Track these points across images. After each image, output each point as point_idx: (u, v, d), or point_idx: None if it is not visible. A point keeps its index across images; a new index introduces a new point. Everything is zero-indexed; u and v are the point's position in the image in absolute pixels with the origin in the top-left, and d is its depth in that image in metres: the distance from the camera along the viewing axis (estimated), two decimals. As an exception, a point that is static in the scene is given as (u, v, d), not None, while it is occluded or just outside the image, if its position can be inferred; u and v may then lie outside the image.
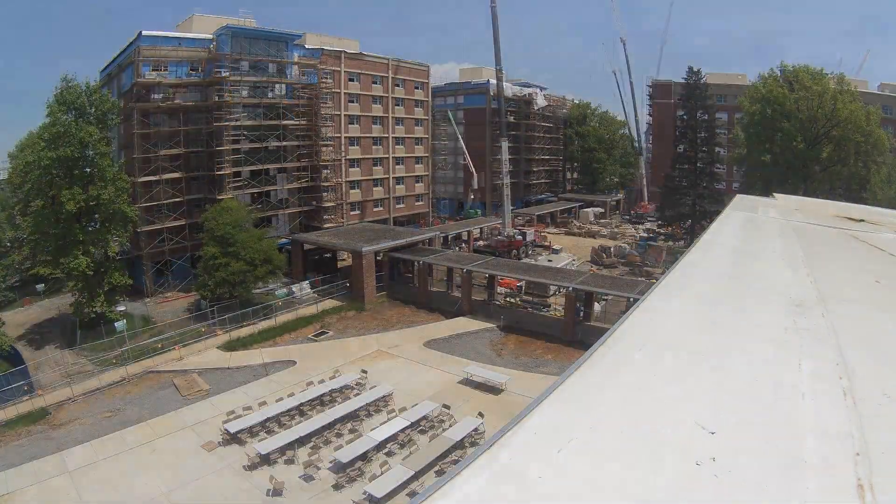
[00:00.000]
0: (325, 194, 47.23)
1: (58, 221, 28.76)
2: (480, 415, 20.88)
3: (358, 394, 23.36)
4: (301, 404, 22.27)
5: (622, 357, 2.77)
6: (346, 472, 17.89)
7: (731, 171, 62.15)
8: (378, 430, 19.94)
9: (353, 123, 53.37)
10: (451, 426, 20.43)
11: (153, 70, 38.86)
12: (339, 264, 44.29)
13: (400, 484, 16.68)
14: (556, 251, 51.60)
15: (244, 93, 42.44)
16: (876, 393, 2.29)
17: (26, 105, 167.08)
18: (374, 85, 55.54)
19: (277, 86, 45.00)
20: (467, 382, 24.66)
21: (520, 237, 50.32)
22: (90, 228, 30.30)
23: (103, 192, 29.00)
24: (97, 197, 28.96)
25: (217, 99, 40.26)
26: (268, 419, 21.16)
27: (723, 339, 3.07)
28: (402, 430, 20.15)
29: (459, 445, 19.00)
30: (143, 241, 38.27)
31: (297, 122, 45.62)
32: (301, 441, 19.65)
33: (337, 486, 17.53)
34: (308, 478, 17.91)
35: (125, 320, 31.83)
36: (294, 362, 27.59)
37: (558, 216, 71.62)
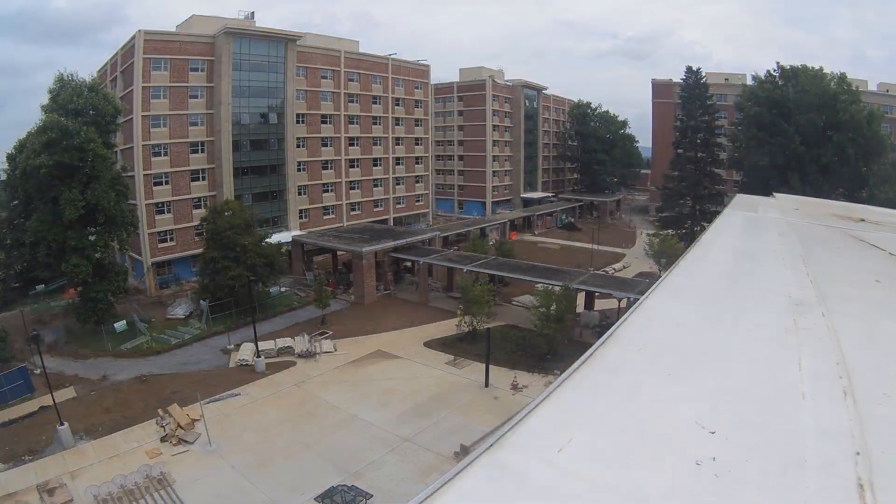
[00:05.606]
0: (324, 194, 47.15)
1: (58, 225, 28.13)
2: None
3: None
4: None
5: (622, 357, 2.76)
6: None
7: (732, 172, 61.99)
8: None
9: (352, 123, 53.30)
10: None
11: (153, 70, 38.81)
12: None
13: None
14: None
15: (244, 93, 42.40)
16: (876, 393, 2.29)
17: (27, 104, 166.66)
18: (373, 85, 55.48)
19: (277, 85, 44.96)
20: (467, 382, 24.62)
21: None
22: (91, 230, 29.77)
23: (104, 197, 28.39)
24: (97, 202, 28.32)
25: (216, 99, 40.20)
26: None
27: (723, 339, 3.06)
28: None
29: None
30: (145, 242, 38.27)
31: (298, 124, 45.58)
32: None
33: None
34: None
35: (125, 321, 31.76)
36: (294, 363, 27.57)
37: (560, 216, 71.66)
